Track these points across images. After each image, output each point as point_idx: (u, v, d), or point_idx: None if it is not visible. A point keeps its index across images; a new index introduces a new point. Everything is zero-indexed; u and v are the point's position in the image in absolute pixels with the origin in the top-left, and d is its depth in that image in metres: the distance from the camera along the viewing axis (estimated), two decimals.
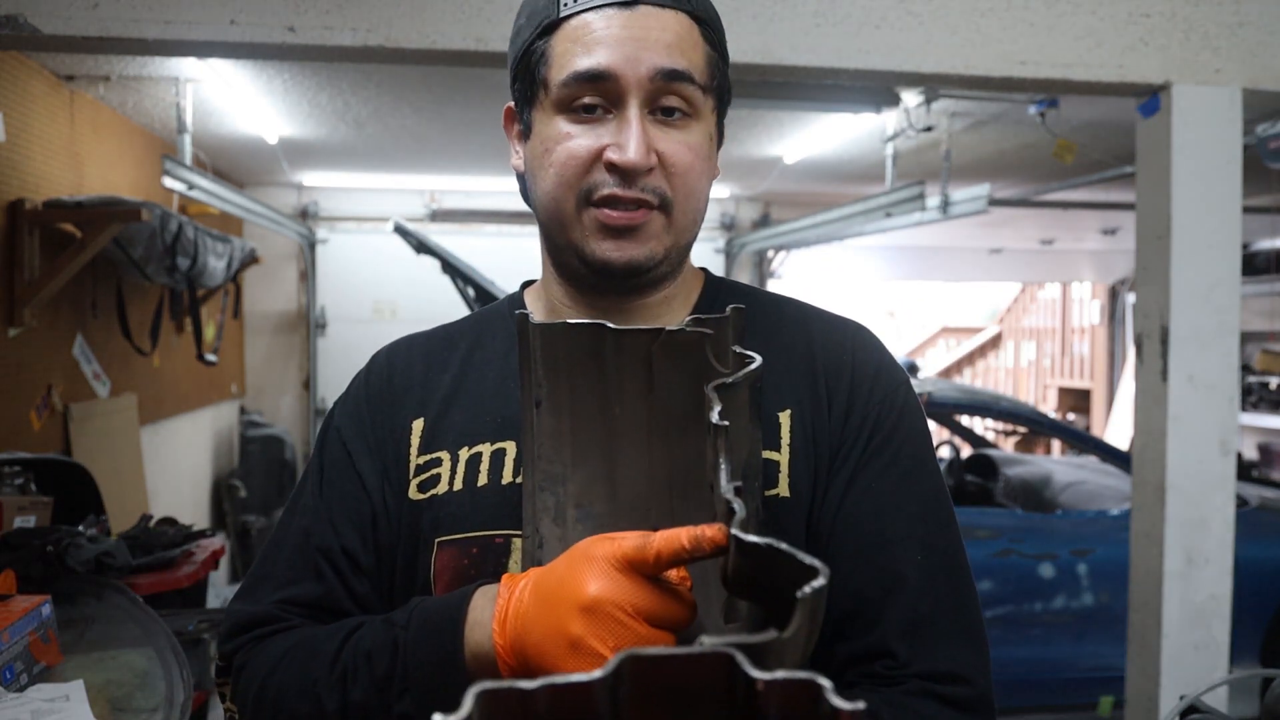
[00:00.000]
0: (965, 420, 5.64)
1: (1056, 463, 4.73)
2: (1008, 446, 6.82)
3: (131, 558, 2.17)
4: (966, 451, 4.98)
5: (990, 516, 3.74)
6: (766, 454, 0.79)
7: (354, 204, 6.03)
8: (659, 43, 0.75)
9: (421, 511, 0.82)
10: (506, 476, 0.80)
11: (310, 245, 5.95)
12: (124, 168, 3.89)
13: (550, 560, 0.68)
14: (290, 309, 6.09)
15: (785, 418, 0.81)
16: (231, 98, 3.65)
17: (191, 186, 3.55)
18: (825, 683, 0.31)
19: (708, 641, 0.37)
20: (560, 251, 0.83)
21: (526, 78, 0.80)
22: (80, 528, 2.16)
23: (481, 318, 0.94)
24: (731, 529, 0.50)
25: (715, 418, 0.56)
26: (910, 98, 3.49)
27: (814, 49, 2.17)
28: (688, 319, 0.67)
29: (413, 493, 0.83)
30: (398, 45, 2.05)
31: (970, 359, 11.39)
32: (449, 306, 4.15)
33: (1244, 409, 6.37)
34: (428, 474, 0.83)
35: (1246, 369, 6.64)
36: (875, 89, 3.44)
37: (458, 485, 0.81)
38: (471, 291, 4.28)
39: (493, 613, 0.66)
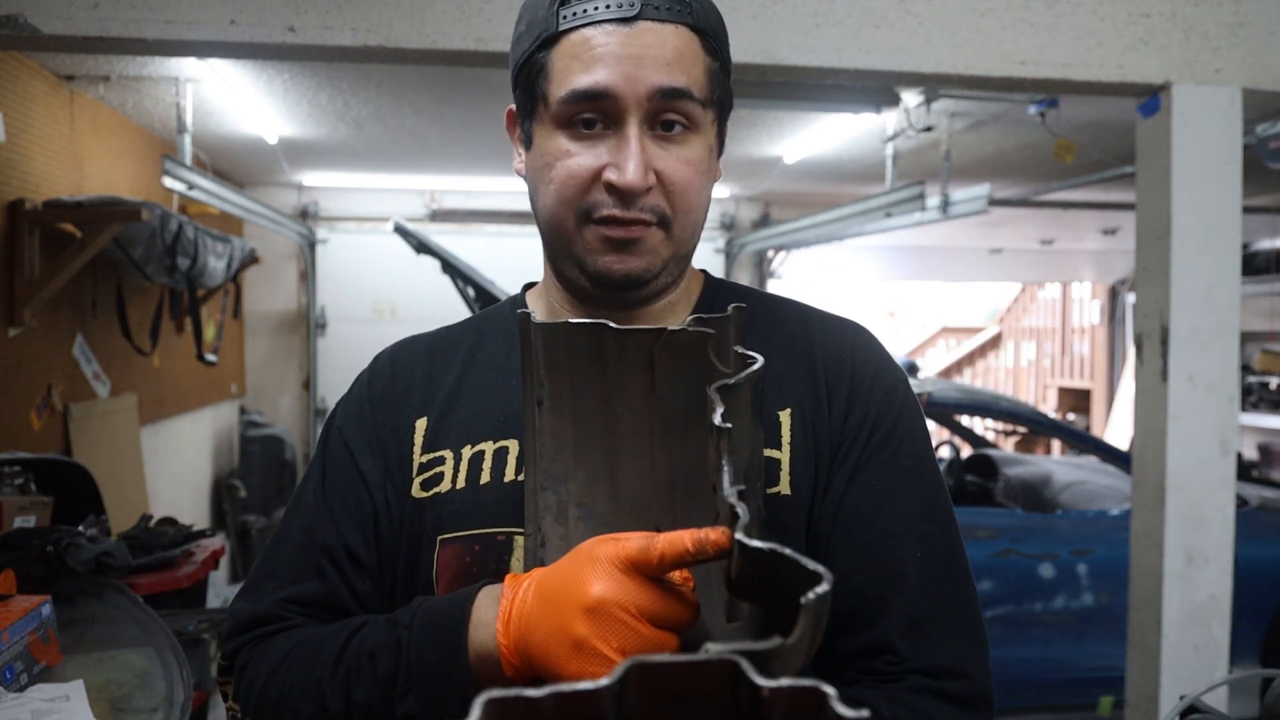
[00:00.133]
0: (965, 420, 5.64)
1: (1056, 463, 4.72)
2: (1008, 446, 6.82)
3: (131, 558, 2.17)
4: (966, 451, 4.98)
5: (990, 516, 3.74)
6: (768, 452, 0.79)
7: (354, 204, 6.03)
8: (658, 60, 0.75)
9: (424, 510, 0.82)
10: (509, 474, 0.81)
11: (310, 245, 5.95)
12: (124, 168, 3.89)
13: (552, 559, 0.68)
14: (290, 309, 6.09)
15: (785, 416, 0.81)
16: (231, 98, 3.65)
17: (191, 186, 3.55)
18: (830, 690, 0.32)
19: (713, 649, 0.37)
20: (561, 262, 0.83)
21: (526, 89, 0.80)
22: (80, 528, 2.16)
23: (483, 318, 0.95)
24: (735, 533, 0.51)
25: (718, 420, 0.56)
26: (910, 98, 3.49)
27: (814, 49, 2.17)
28: (689, 319, 0.67)
29: (416, 491, 0.83)
30: (398, 45, 2.05)
31: (970, 359, 11.40)
32: (449, 307, 4.16)
33: (1244, 409, 6.38)
34: (431, 472, 0.83)
35: (1246, 369, 6.64)
36: (875, 89, 3.44)
37: (460, 483, 0.82)
38: (471, 291, 4.28)
39: (497, 613, 0.66)
